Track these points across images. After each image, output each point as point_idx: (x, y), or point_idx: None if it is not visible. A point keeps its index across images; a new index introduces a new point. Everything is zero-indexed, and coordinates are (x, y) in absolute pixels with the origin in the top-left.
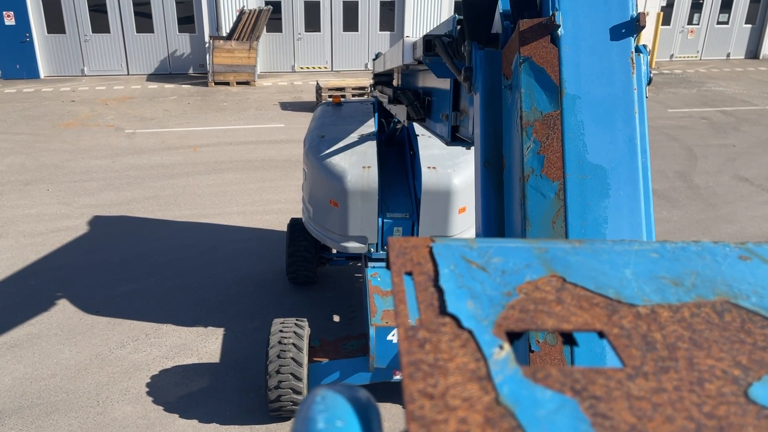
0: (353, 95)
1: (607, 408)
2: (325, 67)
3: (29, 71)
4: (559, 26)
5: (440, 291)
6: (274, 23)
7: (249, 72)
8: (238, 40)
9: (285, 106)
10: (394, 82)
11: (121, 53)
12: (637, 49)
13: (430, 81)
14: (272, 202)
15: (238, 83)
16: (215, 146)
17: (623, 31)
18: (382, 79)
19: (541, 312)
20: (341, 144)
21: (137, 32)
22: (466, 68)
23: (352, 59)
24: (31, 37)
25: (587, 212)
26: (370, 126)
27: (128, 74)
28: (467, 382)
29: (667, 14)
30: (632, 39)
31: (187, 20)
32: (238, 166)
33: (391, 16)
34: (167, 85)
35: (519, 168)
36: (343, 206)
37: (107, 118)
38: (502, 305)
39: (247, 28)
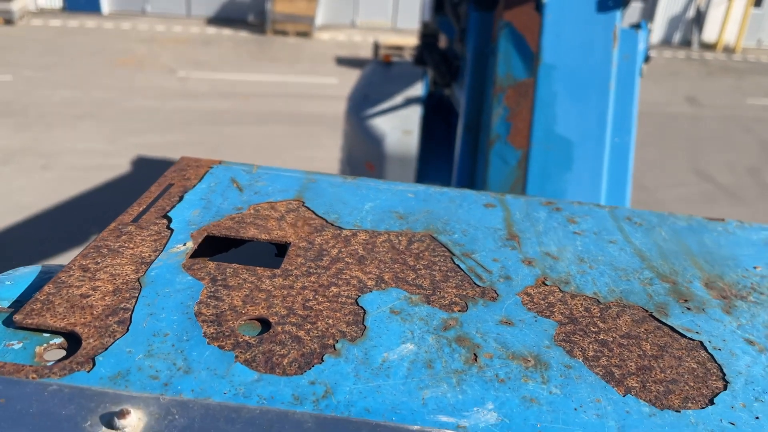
0: (412, 55)
1: (226, 293)
2: (388, 24)
3: (92, 4)
4: None
5: (180, 199)
6: None
7: (308, 23)
8: None
9: (341, 61)
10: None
11: None
12: (638, 25)
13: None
14: (316, 160)
15: (297, 34)
16: (266, 97)
17: (610, 3)
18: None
19: (251, 224)
20: (384, 105)
21: None
22: (461, 30)
23: (416, 16)
24: None
25: (546, 184)
26: (419, 89)
27: (188, 16)
28: (127, 264)
29: None
30: (618, 12)
31: None
32: (285, 119)
33: None
34: (225, 31)
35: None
36: (379, 170)
37: (162, 59)
38: (221, 216)
39: None
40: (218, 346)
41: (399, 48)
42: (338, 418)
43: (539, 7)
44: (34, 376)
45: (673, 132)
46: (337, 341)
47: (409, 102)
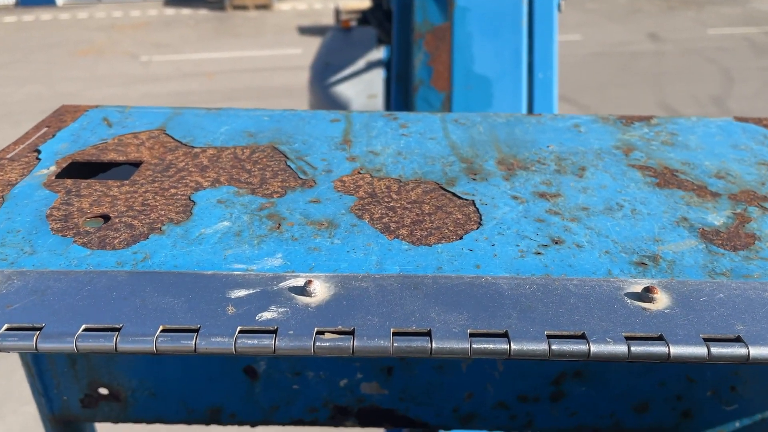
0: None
1: (77, 200)
2: None
3: None
4: None
5: (52, 137)
6: None
7: None
8: None
9: (303, 30)
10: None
11: None
12: None
13: None
14: None
15: (256, 7)
16: (231, 73)
17: None
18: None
19: (113, 151)
20: (347, 72)
21: None
22: None
23: None
24: None
25: None
26: (380, 52)
27: None
28: None
29: None
30: None
31: None
32: (253, 94)
33: None
34: (184, 11)
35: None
36: None
37: (123, 45)
38: (87, 145)
39: None
40: (61, 235)
41: (360, 12)
42: (148, 271)
43: None
44: None
45: (637, 70)
46: (164, 224)
47: (371, 66)
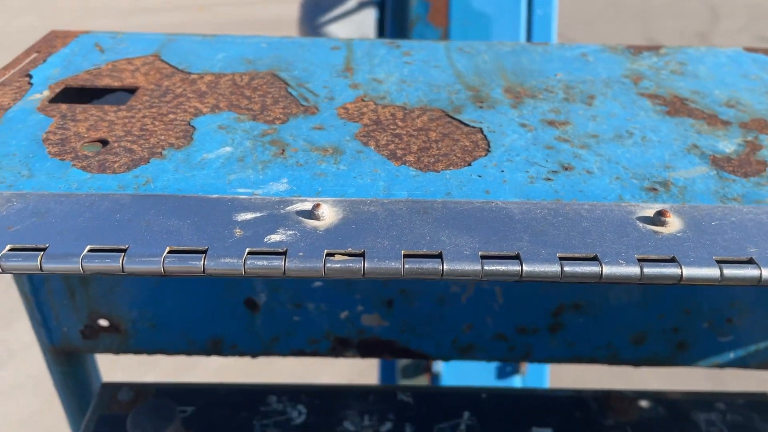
0: None
1: (72, 124)
2: None
3: None
4: None
5: (43, 62)
6: None
7: None
8: None
9: None
10: None
11: None
12: None
13: None
14: None
15: None
16: (222, 5)
17: None
18: None
19: (107, 76)
20: (337, 11)
21: None
22: None
23: None
24: None
25: None
26: None
27: None
28: None
29: None
30: None
31: None
32: (245, 27)
33: None
34: None
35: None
36: None
37: None
38: (80, 71)
39: None
40: (59, 159)
41: None
42: (151, 194)
43: None
44: None
45: (624, 5)
46: (164, 149)
47: (362, 5)
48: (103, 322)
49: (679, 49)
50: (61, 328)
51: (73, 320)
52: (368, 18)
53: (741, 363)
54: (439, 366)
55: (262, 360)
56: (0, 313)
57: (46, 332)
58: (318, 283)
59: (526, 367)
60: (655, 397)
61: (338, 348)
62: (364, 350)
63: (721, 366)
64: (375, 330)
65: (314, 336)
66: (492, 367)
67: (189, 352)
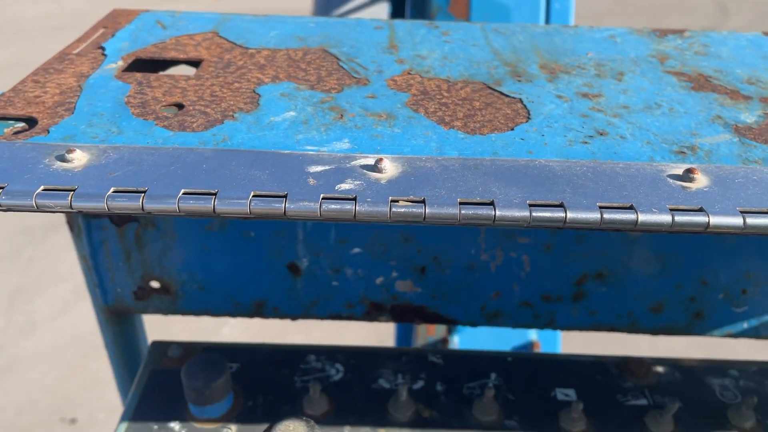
0: None
1: (149, 90)
2: None
3: None
4: None
5: (113, 36)
6: None
7: None
8: None
9: None
10: None
11: None
12: None
13: None
14: None
15: None
16: None
17: None
18: None
19: (172, 50)
20: (351, 5)
21: None
22: None
23: None
24: None
25: None
26: None
27: None
28: (70, 77)
29: None
30: None
31: None
32: None
33: None
34: None
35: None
36: None
37: None
38: (147, 44)
39: None
40: (143, 119)
41: None
42: (230, 149)
43: None
44: (4, 139)
45: (632, 3)
46: (235, 113)
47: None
48: (155, 284)
49: (702, 33)
50: (115, 288)
51: (127, 282)
52: (381, 11)
53: (754, 333)
54: (455, 344)
55: (275, 335)
56: (23, 287)
57: (101, 292)
58: (357, 249)
59: (539, 348)
60: (672, 363)
61: (372, 312)
62: (396, 315)
63: (735, 336)
64: (407, 296)
65: (350, 301)
66: (507, 346)
67: (233, 313)
